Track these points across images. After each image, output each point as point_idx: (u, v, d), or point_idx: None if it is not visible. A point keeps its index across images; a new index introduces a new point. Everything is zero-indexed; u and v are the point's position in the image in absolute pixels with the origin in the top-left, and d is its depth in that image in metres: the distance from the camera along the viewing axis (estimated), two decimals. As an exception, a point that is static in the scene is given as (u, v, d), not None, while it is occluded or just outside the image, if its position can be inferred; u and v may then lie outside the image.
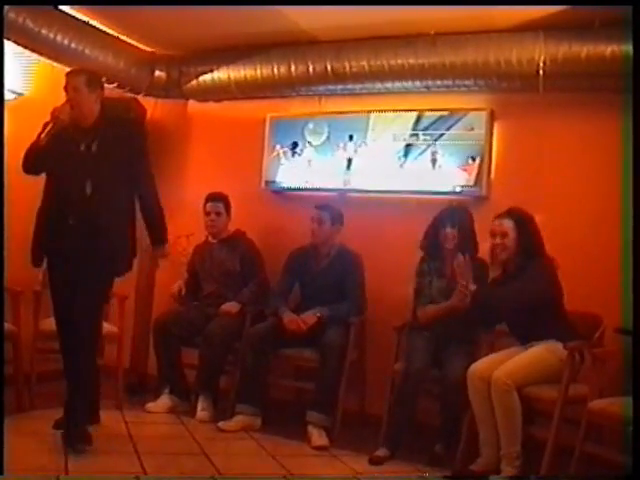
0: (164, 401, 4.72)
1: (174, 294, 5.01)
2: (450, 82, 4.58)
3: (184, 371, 4.84)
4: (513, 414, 3.58)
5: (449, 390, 3.95)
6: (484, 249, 4.22)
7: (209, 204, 5.01)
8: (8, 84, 4.70)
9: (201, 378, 4.67)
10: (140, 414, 4.57)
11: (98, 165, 3.74)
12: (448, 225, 4.25)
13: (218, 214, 5.01)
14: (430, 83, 4.63)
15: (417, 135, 4.85)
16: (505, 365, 3.67)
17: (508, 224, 3.90)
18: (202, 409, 4.55)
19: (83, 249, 3.70)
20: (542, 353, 3.73)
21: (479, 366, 3.77)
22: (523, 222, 3.91)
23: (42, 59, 4.75)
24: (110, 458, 3.63)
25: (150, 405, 4.69)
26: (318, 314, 4.50)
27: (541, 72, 4.23)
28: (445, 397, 4.00)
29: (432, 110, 4.83)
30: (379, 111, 4.99)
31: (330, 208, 4.70)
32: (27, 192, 4.92)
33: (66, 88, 3.80)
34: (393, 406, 4.16)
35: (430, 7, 4.10)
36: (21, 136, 4.83)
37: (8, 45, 4.41)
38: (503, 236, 3.89)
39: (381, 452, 4.03)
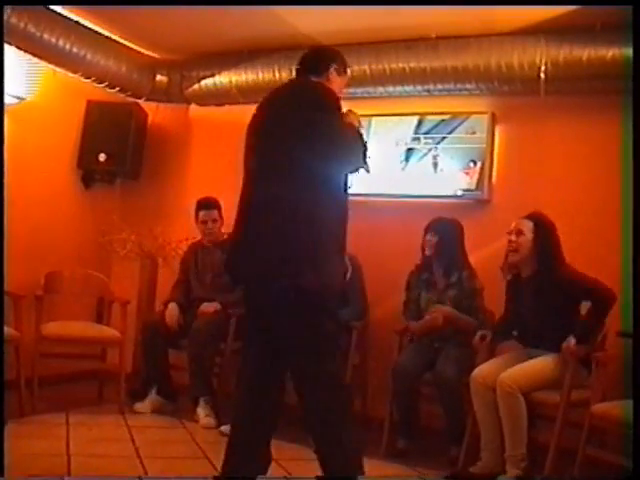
0: (152, 401, 4.74)
1: (172, 324, 4.82)
2: (451, 86, 4.58)
3: (170, 372, 4.87)
4: (518, 417, 3.57)
5: (443, 389, 3.98)
6: (486, 254, 4.24)
7: (203, 212, 4.95)
8: (11, 89, 4.71)
9: (195, 381, 4.65)
10: (142, 418, 4.57)
11: None
12: (428, 232, 4.31)
13: (214, 221, 4.97)
14: (431, 87, 4.63)
15: (419, 139, 4.86)
16: (512, 369, 3.66)
17: (526, 224, 3.83)
18: (206, 415, 4.53)
19: None
20: (550, 362, 3.71)
21: (481, 370, 3.77)
22: (543, 226, 3.83)
23: (44, 64, 4.76)
24: (112, 462, 3.62)
25: (138, 406, 4.71)
26: None
27: (542, 75, 4.23)
28: (441, 397, 4.03)
29: (433, 114, 4.84)
30: (380, 115, 5.00)
31: None
32: (28, 195, 4.98)
33: None
34: (391, 405, 4.26)
35: (431, 10, 4.11)
36: (23, 140, 4.89)
37: (12, 50, 4.42)
38: (518, 234, 3.82)
39: (400, 444, 4.18)
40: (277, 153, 2.91)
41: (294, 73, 4.81)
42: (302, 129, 2.85)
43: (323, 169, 2.86)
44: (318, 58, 3.22)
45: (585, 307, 3.80)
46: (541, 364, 3.72)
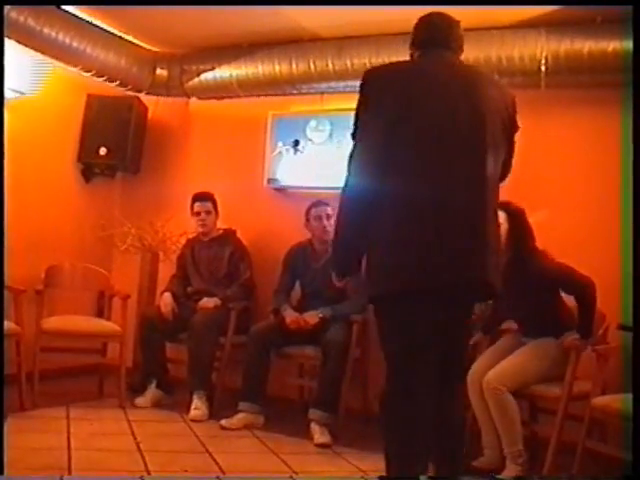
0: (152, 395, 4.77)
1: (167, 313, 4.86)
2: (452, 79, 4.57)
3: (167, 366, 4.90)
4: (509, 415, 3.58)
5: None
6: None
7: (197, 204, 5.02)
8: (14, 84, 4.71)
9: (193, 375, 4.66)
10: (142, 412, 4.57)
11: None
12: None
13: (208, 213, 5.02)
14: (432, 80, 4.61)
15: (419, 132, 4.83)
16: (497, 368, 3.66)
17: (500, 215, 3.82)
18: (195, 407, 4.53)
19: None
20: (534, 353, 3.72)
21: (477, 368, 3.76)
22: (515, 215, 3.82)
23: (47, 60, 4.76)
24: (113, 457, 3.63)
25: (139, 400, 4.73)
26: (320, 314, 4.50)
27: (543, 68, 4.22)
28: None
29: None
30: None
31: (328, 204, 4.68)
32: (28, 190, 4.98)
33: None
34: None
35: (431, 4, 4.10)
36: (23, 134, 4.89)
37: (15, 46, 4.41)
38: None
39: None
40: (479, 147, 2.60)
41: (294, 66, 4.97)
42: (507, 129, 2.73)
43: (499, 175, 2.74)
44: (459, 34, 2.92)
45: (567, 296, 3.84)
46: (524, 358, 3.72)
